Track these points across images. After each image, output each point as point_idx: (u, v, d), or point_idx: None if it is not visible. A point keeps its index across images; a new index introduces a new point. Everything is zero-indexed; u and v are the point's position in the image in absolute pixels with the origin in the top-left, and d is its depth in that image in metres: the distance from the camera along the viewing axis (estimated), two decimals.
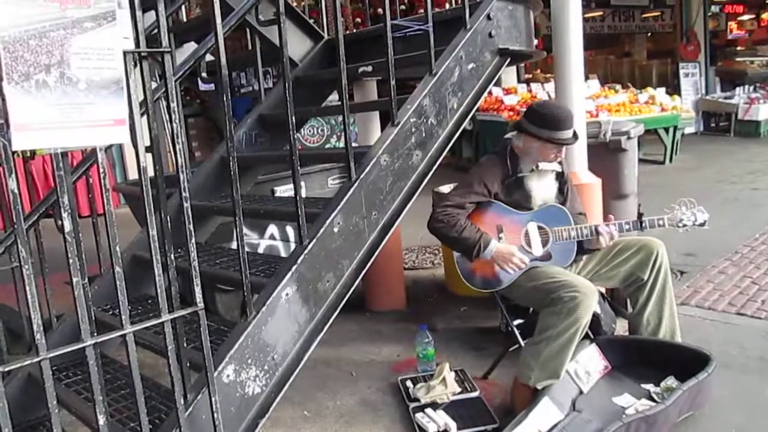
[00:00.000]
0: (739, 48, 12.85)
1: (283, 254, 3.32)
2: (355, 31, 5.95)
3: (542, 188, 2.46)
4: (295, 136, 1.93)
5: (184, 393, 1.55)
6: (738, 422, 2.16)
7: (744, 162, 7.76)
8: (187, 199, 1.47)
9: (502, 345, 2.71)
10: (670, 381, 2.27)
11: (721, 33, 12.80)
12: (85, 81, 1.21)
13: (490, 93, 7.68)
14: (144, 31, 1.37)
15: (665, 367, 2.34)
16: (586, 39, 3.09)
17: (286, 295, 1.84)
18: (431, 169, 2.29)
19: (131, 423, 1.72)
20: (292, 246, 3.23)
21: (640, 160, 4.04)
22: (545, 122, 2.36)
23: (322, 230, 1.94)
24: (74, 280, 1.27)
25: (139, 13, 1.35)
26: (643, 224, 2.39)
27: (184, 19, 3.72)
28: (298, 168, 1.92)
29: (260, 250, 3.30)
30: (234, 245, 2.58)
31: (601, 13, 11.43)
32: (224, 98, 1.68)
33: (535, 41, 2.93)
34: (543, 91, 8.35)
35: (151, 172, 1.40)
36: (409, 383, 2.56)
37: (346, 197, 2.01)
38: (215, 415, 1.53)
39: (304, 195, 2.01)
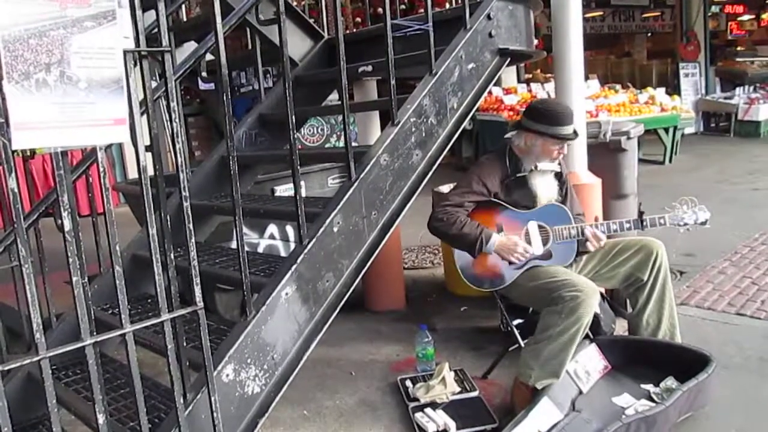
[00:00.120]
0: (739, 48, 12.85)
1: (283, 254, 3.32)
2: (355, 30, 5.95)
3: (544, 187, 2.47)
4: (295, 136, 1.93)
5: (184, 392, 1.55)
6: (738, 423, 2.16)
7: (744, 162, 7.76)
8: (187, 198, 1.47)
9: (501, 345, 2.72)
10: (670, 381, 2.27)
11: (721, 33, 12.81)
12: (85, 80, 1.20)
13: (490, 93, 7.69)
14: (144, 31, 1.37)
15: (665, 367, 2.34)
16: (586, 39, 3.09)
17: (286, 294, 1.84)
18: (431, 169, 2.28)
19: (131, 422, 1.72)
20: (292, 245, 3.23)
21: (640, 161, 4.04)
22: (547, 118, 2.37)
23: (321, 230, 1.94)
24: (74, 279, 1.27)
25: (139, 12, 1.35)
26: (644, 223, 2.39)
27: (184, 19, 3.72)
28: (298, 167, 1.92)
29: (260, 250, 3.30)
30: (234, 244, 2.57)
31: (601, 12, 11.43)
32: (224, 98, 1.67)
33: (535, 41, 2.93)
34: (543, 91, 8.35)
35: (150, 172, 1.40)
36: (408, 383, 2.56)
37: (346, 197, 2.01)
38: (215, 414, 1.53)
39: (303, 194, 2.00)
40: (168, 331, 1.43)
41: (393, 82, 2.19)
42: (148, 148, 1.40)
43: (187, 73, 2.29)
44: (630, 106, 7.96)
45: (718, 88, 11.81)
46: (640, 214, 2.42)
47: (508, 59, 2.59)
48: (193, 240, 1.48)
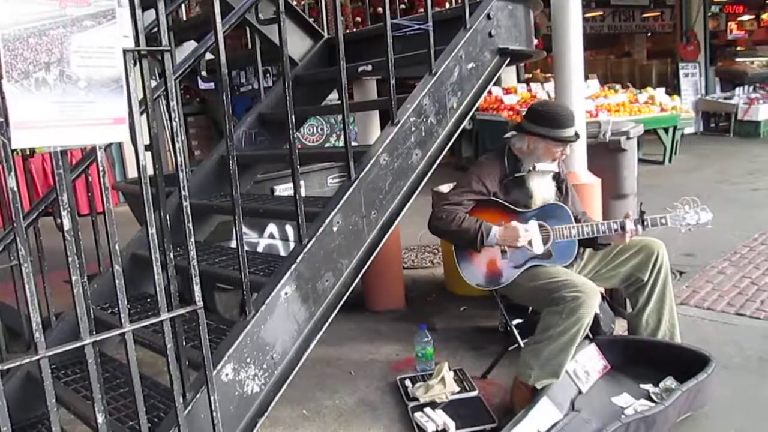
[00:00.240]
0: (739, 48, 12.85)
1: (283, 253, 3.32)
2: (355, 30, 5.95)
3: (542, 188, 2.47)
4: (295, 135, 1.93)
5: (183, 392, 1.55)
6: (737, 423, 2.17)
7: (743, 162, 7.76)
8: (187, 197, 1.47)
9: (501, 344, 2.72)
10: (669, 381, 2.27)
11: (721, 33, 12.80)
12: (85, 79, 1.20)
13: (489, 92, 7.69)
14: (144, 30, 1.37)
15: (664, 367, 2.34)
16: (586, 39, 3.09)
17: (285, 294, 1.84)
18: (431, 169, 2.28)
19: (130, 421, 1.72)
20: (292, 245, 3.23)
21: (640, 160, 4.04)
22: (548, 121, 2.37)
23: (321, 229, 1.94)
24: (73, 278, 1.27)
25: (138, 11, 1.35)
26: (645, 223, 2.39)
27: (184, 18, 3.72)
28: (298, 167, 1.92)
29: (259, 249, 3.30)
30: (233, 244, 2.57)
31: (601, 12, 11.43)
32: (224, 97, 1.67)
33: (535, 41, 2.93)
34: (543, 91, 8.35)
35: (150, 171, 1.40)
36: (408, 382, 2.56)
37: (346, 196, 2.01)
38: (214, 413, 1.53)
39: (303, 194, 2.00)
40: (167, 330, 1.43)
41: (393, 81, 2.19)
42: (147, 148, 1.40)
43: (187, 72, 2.29)
44: (630, 106, 7.96)
45: (717, 88, 11.81)
46: (641, 213, 2.42)
47: (508, 59, 2.58)
48: (192, 239, 1.48)
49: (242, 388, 1.73)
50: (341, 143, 3.27)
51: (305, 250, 1.89)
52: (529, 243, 2.40)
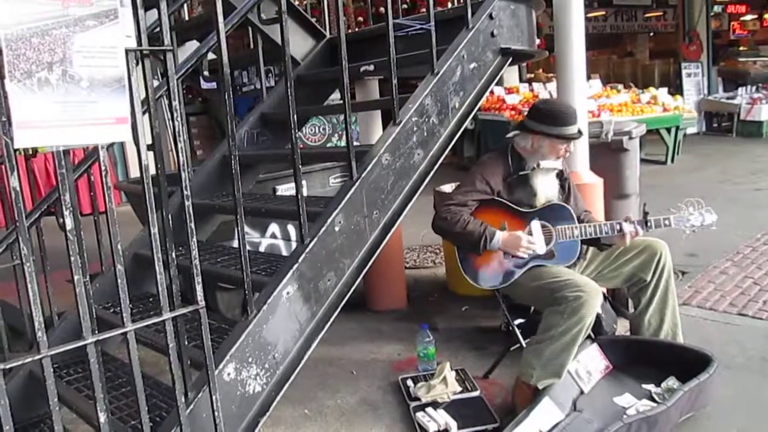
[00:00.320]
0: (741, 48, 12.83)
1: (285, 253, 3.32)
2: (357, 29, 5.95)
3: (546, 186, 2.47)
4: (297, 135, 1.93)
5: (185, 391, 1.55)
6: (739, 423, 2.16)
7: (746, 162, 7.75)
8: (189, 197, 1.48)
9: (503, 344, 2.71)
10: (671, 381, 2.27)
11: (724, 33, 12.78)
12: (87, 79, 1.21)
13: (492, 92, 7.69)
14: (146, 30, 1.37)
15: (666, 367, 2.34)
16: (589, 39, 3.08)
17: (287, 293, 1.85)
18: (433, 169, 2.28)
19: (132, 421, 1.72)
20: (294, 245, 3.23)
21: (642, 160, 4.05)
22: (551, 119, 2.38)
23: (323, 229, 1.94)
24: (75, 277, 1.27)
25: (141, 11, 1.36)
26: (648, 224, 2.39)
27: (186, 18, 3.72)
28: (300, 167, 1.92)
29: (261, 249, 3.30)
30: (235, 244, 2.56)
31: (603, 12, 11.42)
32: (226, 97, 1.68)
33: (538, 41, 2.93)
34: (545, 91, 8.33)
35: (152, 171, 1.40)
36: (409, 382, 2.56)
37: (348, 196, 2.01)
38: (216, 413, 1.53)
39: (305, 194, 2.00)
40: (169, 329, 1.43)
41: (395, 81, 2.19)
42: (150, 147, 1.40)
43: (189, 72, 2.29)
44: (632, 106, 7.95)
45: (720, 88, 11.80)
46: (645, 214, 2.41)
47: (510, 59, 2.58)
48: (194, 239, 1.48)
49: (244, 387, 1.73)
50: (343, 143, 3.28)
51: (307, 250, 1.90)
52: (532, 248, 2.40)
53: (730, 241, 4.22)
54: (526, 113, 2.55)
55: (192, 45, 3.08)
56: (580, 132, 2.43)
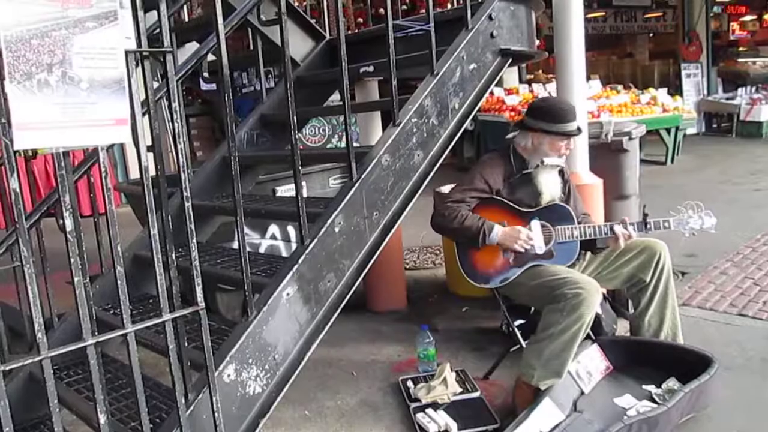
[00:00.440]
0: (741, 49, 12.84)
1: (285, 254, 3.32)
2: (356, 31, 5.95)
3: (550, 183, 2.48)
4: (297, 136, 1.93)
5: (185, 392, 1.55)
6: (740, 424, 2.16)
7: (746, 163, 7.75)
8: (189, 198, 1.47)
9: (503, 345, 2.72)
10: (672, 382, 2.27)
11: (723, 33, 12.78)
12: (87, 80, 1.20)
13: (491, 93, 7.69)
14: (146, 31, 1.37)
15: (667, 368, 2.34)
16: (588, 39, 3.09)
17: (287, 294, 1.84)
18: (433, 170, 2.28)
19: (132, 422, 1.72)
20: (294, 246, 3.23)
21: (642, 161, 4.04)
22: (551, 116, 2.39)
23: (323, 230, 1.94)
24: (75, 279, 1.27)
25: (140, 12, 1.35)
26: (648, 226, 2.39)
27: (186, 19, 3.72)
28: (300, 168, 1.92)
29: (261, 250, 3.30)
30: (235, 245, 2.57)
31: (602, 13, 11.42)
32: (226, 98, 1.68)
33: (537, 42, 2.93)
34: (545, 92, 8.33)
35: (152, 172, 1.40)
36: (410, 383, 2.56)
37: (347, 197, 2.01)
38: (216, 414, 1.53)
39: (305, 195, 2.00)
40: (169, 331, 1.43)
41: (394, 82, 2.19)
42: (149, 149, 1.40)
43: (189, 73, 2.29)
44: (632, 106, 7.96)
45: (720, 88, 11.80)
46: (644, 216, 2.41)
47: (510, 60, 2.58)
48: (194, 240, 1.48)
49: (244, 388, 1.73)
50: (343, 144, 3.27)
51: (307, 251, 1.90)
52: (531, 242, 2.40)
53: (730, 242, 4.22)
54: (524, 112, 2.55)
55: (192, 46, 3.08)
56: (579, 129, 2.44)
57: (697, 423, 2.18)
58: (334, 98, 3.75)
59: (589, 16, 10.54)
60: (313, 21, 3.29)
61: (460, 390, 2.45)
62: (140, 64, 1.39)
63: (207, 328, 1.51)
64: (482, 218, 2.38)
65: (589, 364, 2.37)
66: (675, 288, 2.51)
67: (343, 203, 2.00)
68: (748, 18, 13.17)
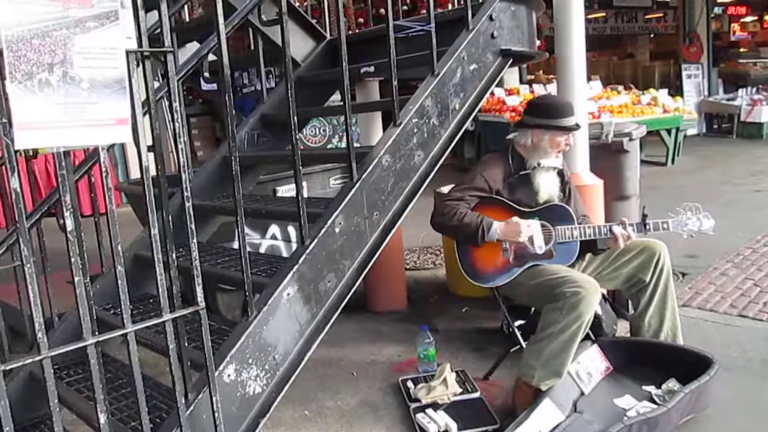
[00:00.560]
0: (742, 50, 12.84)
1: (285, 254, 3.32)
2: (357, 31, 5.95)
3: (548, 184, 2.48)
4: (297, 136, 1.93)
5: (185, 392, 1.55)
6: (740, 425, 2.16)
7: (746, 164, 7.75)
8: (189, 198, 1.48)
9: (503, 346, 2.72)
10: (672, 383, 2.27)
11: (724, 34, 12.79)
12: (88, 80, 1.21)
13: (492, 94, 7.68)
14: (147, 31, 1.37)
15: (667, 369, 2.34)
16: (589, 40, 3.09)
17: (288, 295, 1.85)
18: (433, 170, 2.28)
19: (132, 422, 1.72)
20: (294, 246, 3.23)
21: (642, 162, 4.05)
22: (549, 112, 2.40)
23: (323, 230, 1.94)
24: (76, 279, 1.27)
25: (141, 12, 1.36)
26: (647, 227, 2.39)
27: (187, 19, 3.72)
28: (300, 168, 1.92)
29: (262, 250, 3.31)
30: (235, 245, 2.57)
31: (603, 14, 11.42)
32: (227, 98, 1.68)
33: (538, 42, 2.93)
34: (545, 93, 8.34)
35: (153, 172, 1.40)
36: (410, 384, 2.56)
37: (348, 197, 2.01)
38: (216, 414, 1.53)
39: (305, 195, 2.00)
40: (170, 331, 1.43)
41: (395, 82, 2.19)
42: (150, 149, 1.40)
43: (190, 73, 2.29)
44: (632, 107, 7.96)
45: (720, 89, 11.80)
46: (644, 216, 2.41)
47: (511, 60, 2.58)
48: (194, 240, 1.48)
49: (244, 388, 1.73)
50: (344, 144, 3.27)
51: (307, 251, 1.90)
52: (531, 241, 2.39)
53: (731, 243, 4.22)
54: (523, 111, 2.56)
55: (192, 46, 3.08)
56: (578, 124, 2.45)
57: (697, 424, 2.18)
58: (335, 98, 3.75)
59: (589, 16, 10.54)
60: (313, 21, 3.29)
61: (460, 390, 2.45)
62: (141, 64, 1.39)
63: (207, 328, 1.52)
64: (481, 215, 2.38)
65: (589, 364, 2.37)
66: (675, 289, 2.51)
67: (344, 203, 2.00)
68: (748, 19, 13.18)
